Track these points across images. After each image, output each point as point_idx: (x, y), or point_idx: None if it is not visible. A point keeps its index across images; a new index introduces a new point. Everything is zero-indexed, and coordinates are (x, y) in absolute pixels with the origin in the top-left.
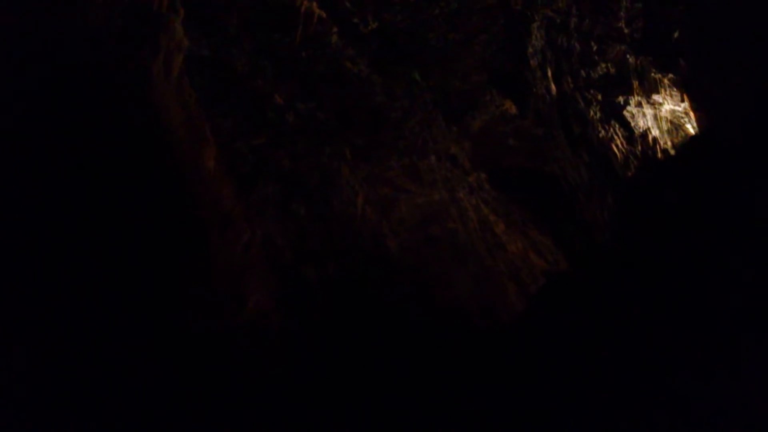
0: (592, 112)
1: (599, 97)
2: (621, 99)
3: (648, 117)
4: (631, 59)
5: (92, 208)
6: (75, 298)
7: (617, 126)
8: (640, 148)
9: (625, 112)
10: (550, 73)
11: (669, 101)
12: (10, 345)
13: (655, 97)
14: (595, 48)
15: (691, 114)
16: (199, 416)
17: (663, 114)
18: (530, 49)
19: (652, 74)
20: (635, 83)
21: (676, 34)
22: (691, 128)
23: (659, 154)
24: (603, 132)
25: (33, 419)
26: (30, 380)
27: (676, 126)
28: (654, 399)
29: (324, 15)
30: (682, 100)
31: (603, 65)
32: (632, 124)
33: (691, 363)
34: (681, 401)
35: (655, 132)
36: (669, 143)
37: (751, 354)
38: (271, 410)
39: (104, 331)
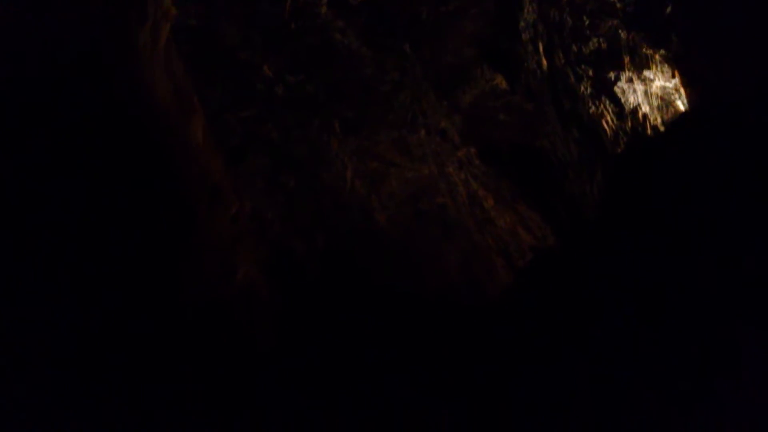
0: (582, 88)
1: (590, 72)
2: (612, 75)
3: (638, 93)
4: (623, 34)
5: (76, 181)
6: (59, 269)
7: (608, 102)
8: (630, 124)
9: (615, 88)
10: (541, 48)
11: (660, 77)
12: None
13: (646, 73)
14: (587, 22)
15: (682, 91)
16: (193, 385)
17: (653, 90)
18: (522, 23)
19: (644, 50)
20: (626, 59)
21: (668, 9)
22: (681, 105)
23: (649, 131)
24: (593, 108)
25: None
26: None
27: (666, 102)
28: (641, 373)
29: None
30: (673, 77)
31: (595, 40)
32: (623, 100)
33: (680, 339)
34: (668, 375)
35: (645, 108)
36: (659, 120)
37: (745, 331)
38: (262, 377)
39: (92, 303)
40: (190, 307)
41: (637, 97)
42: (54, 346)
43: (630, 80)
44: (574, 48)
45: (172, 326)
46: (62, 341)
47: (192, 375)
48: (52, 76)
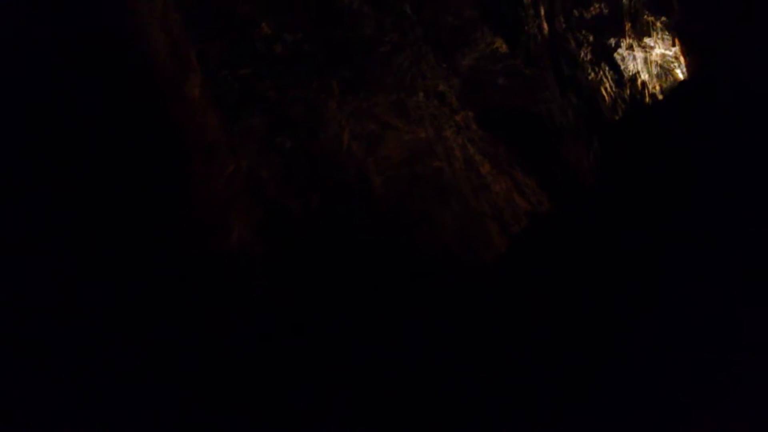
0: (582, 54)
1: (591, 38)
2: (612, 41)
3: (638, 60)
4: (625, 0)
5: (70, 136)
6: (59, 216)
7: (607, 68)
8: (628, 91)
9: (615, 55)
10: (542, 12)
11: (660, 45)
12: None
13: (647, 41)
14: None
15: (682, 59)
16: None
17: (653, 58)
18: None
19: (645, 16)
20: (627, 25)
21: None
22: (680, 73)
23: (647, 99)
24: (593, 74)
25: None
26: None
27: (665, 70)
28: (633, 340)
29: None
30: (674, 45)
31: (596, 5)
32: (622, 67)
33: (674, 306)
34: (660, 342)
35: (644, 76)
36: (658, 88)
37: (742, 298)
38: (254, 329)
39: (92, 254)
40: (186, 260)
41: (637, 65)
42: (57, 294)
43: (630, 47)
44: (575, 13)
45: (170, 275)
46: (67, 288)
47: (187, 323)
48: (41, 29)
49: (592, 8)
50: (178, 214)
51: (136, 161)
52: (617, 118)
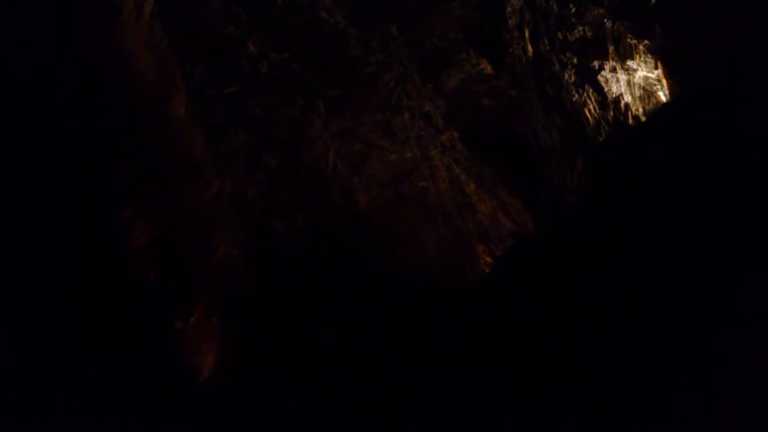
0: (567, 76)
1: (575, 60)
2: (596, 63)
3: (621, 83)
4: (608, 23)
5: (55, 152)
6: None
7: (591, 90)
8: (612, 113)
9: (599, 77)
10: (527, 34)
11: (643, 68)
12: None
13: (630, 63)
14: (573, 10)
15: (664, 81)
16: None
17: (636, 80)
18: (509, 8)
19: (628, 40)
20: (611, 48)
21: (653, 1)
22: (663, 96)
23: (630, 120)
24: (577, 96)
25: None
26: None
27: (648, 93)
28: (616, 356)
29: None
30: (656, 68)
31: (580, 28)
32: (606, 89)
33: (658, 322)
34: (644, 359)
35: (627, 98)
36: (641, 110)
37: (733, 327)
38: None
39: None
40: (165, 285)
41: (620, 87)
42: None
43: (614, 69)
44: (560, 35)
45: (145, 302)
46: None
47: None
48: (29, 50)
49: (576, 31)
50: (161, 235)
51: (119, 180)
52: (601, 139)
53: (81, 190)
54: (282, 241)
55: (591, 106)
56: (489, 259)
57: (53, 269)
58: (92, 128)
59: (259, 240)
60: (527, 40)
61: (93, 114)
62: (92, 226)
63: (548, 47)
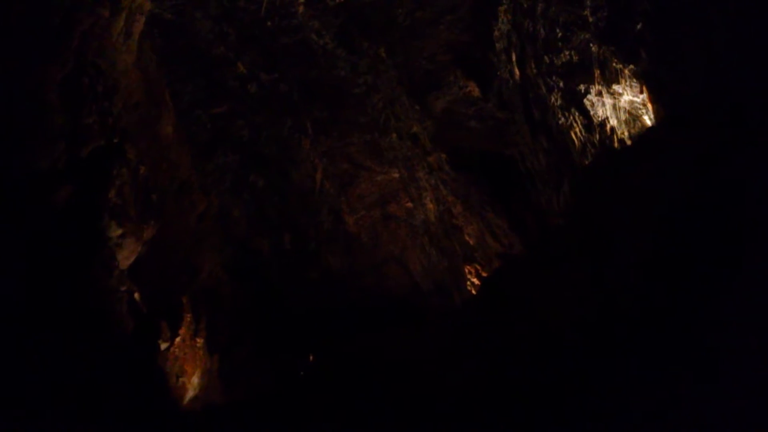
0: (553, 99)
1: (561, 84)
2: (582, 87)
3: (607, 106)
4: (594, 48)
5: (42, 168)
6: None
7: (577, 114)
8: (598, 136)
9: (585, 101)
10: (514, 58)
11: (628, 92)
12: None
13: (615, 87)
14: (560, 35)
15: (649, 105)
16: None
17: (622, 104)
18: (496, 32)
19: (614, 64)
20: (597, 72)
21: (639, 26)
22: (648, 120)
23: (616, 144)
24: (563, 119)
25: None
26: None
27: (633, 117)
28: (602, 376)
29: None
30: (641, 92)
31: (567, 52)
32: (591, 113)
33: (648, 346)
34: (639, 381)
35: (613, 121)
36: (626, 133)
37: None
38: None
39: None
40: (150, 306)
41: (606, 110)
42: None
43: (599, 93)
44: (546, 59)
45: (131, 321)
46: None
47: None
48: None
49: (562, 55)
50: (145, 254)
51: (103, 197)
52: (587, 161)
53: (70, 208)
54: (268, 260)
55: (577, 129)
56: (476, 281)
57: (31, 288)
58: (80, 145)
59: (246, 260)
60: (514, 63)
61: (81, 131)
62: (82, 246)
63: (535, 71)
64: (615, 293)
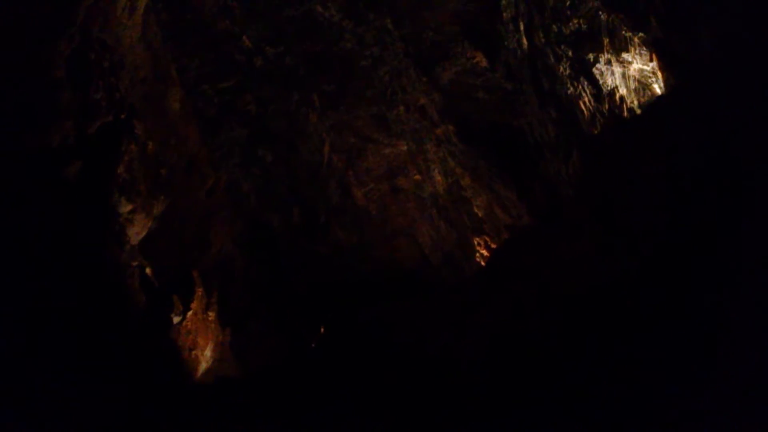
0: (561, 68)
1: (570, 53)
2: (591, 56)
3: (616, 75)
4: (603, 16)
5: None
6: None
7: (586, 83)
8: (607, 106)
9: (594, 70)
10: (522, 27)
11: (638, 60)
12: None
13: (625, 56)
14: (568, 3)
15: (659, 74)
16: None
17: (631, 73)
18: (503, 1)
19: (623, 32)
20: (606, 41)
21: None
22: (657, 88)
23: (625, 113)
24: (572, 88)
25: None
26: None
27: (643, 85)
28: (606, 349)
29: None
30: (651, 60)
31: (575, 21)
32: (600, 82)
33: (657, 318)
34: (631, 352)
35: (622, 90)
36: (636, 102)
37: (727, 313)
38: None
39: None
40: (162, 281)
41: (615, 79)
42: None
43: (608, 62)
44: (555, 28)
45: (144, 296)
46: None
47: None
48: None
49: (570, 24)
50: (156, 230)
51: (112, 173)
52: (596, 131)
53: (80, 186)
54: (278, 234)
55: (586, 99)
56: (485, 252)
57: (48, 267)
58: (88, 121)
59: (256, 234)
60: (522, 33)
61: (89, 107)
62: (91, 222)
63: (543, 40)
64: (625, 264)
